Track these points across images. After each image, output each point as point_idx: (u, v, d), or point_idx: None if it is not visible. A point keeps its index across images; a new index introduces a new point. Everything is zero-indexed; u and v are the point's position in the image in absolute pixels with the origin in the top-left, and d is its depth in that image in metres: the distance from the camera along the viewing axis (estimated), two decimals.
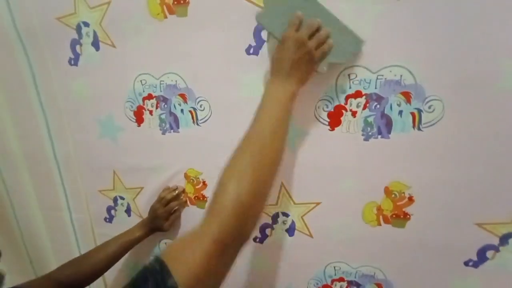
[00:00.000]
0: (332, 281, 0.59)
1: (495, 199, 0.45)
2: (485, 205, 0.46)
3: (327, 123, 0.51)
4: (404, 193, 0.50)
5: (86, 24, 0.60)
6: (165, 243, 0.72)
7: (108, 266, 0.61)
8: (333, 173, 0.52)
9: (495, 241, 0.47)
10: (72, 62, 0.64)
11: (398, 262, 0.53)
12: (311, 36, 0.42)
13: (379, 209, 0.52)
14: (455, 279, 0.50)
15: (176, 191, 0.65)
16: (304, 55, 0.42)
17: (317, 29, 0.43)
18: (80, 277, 0.55)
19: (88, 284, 0.57)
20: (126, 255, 0.64)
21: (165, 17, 0.54)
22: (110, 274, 0.72)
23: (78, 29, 0.61)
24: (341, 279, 0.58)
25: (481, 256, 0.48)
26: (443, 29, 0.42)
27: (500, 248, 0.47)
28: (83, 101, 0.67)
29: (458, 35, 0.41)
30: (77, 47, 0.63)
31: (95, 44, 0.61)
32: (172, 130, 0.62)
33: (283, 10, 0.43)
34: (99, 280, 0.65)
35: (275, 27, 0.44)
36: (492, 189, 0.45)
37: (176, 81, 0.58)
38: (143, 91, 0.62)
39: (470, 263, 0.49)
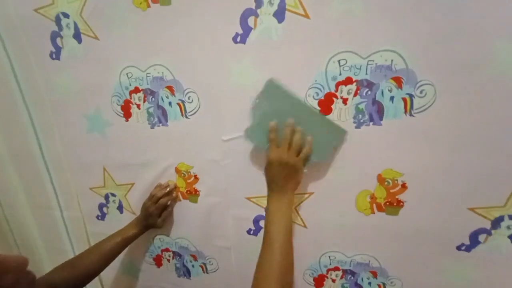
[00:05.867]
0: (328, 270, 0.59)
1: (488, 183, 0.45)
2: (477, 189, 0.46)
3: (318, 112, 0.50)
4: (397, 180, 0.49)
5: (66, 15, 0.58)
6: (160, 239, 0.72)
7: (103, 266, 0.60)
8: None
9: (487, 225, 0.47)
10: (54, 56, 0.62)
11: (392, 249, 0.53)
12: (290, 145, 0.49)
13: (372, 197, 0.51)
14: (448, 264, 0.50)
15: (168, 188, 0.64)
16: (290, 170, 0.49)
17: (293, 133, 0.50)
18: (76, 278, 0.55)
19: (84, 285, 0.57)
20: (121, 253, 0.64)
21: (148, 6, 0.52)
22: (106, 273, 0.71)
23: (58, 20, 0.58)
24: (336, 268, 0.58)
25: (474, 240, 0.48)
26: (435, 11, 0.40)
27: (492, 231, 0.47)
28: (68, 96, 0.65)
29: (450, 18, 0.40)
30: (58, 39, 0.60)
31: (77, 36, 0.59)
32: (160, 124, 0.61)
33: (266, 123, 0.51)
34: (95, 279, 0.64)
35: (260, 141, 0.52)
36: (484, 173, 0.45)
37: (162, 73, 0.56)
38: (130, 85, 0.60)
39: (463, 248, 0.49)
